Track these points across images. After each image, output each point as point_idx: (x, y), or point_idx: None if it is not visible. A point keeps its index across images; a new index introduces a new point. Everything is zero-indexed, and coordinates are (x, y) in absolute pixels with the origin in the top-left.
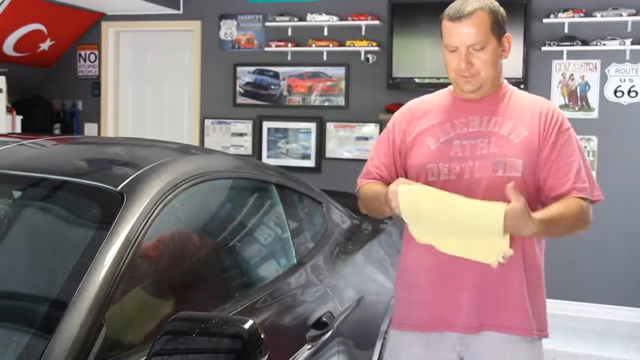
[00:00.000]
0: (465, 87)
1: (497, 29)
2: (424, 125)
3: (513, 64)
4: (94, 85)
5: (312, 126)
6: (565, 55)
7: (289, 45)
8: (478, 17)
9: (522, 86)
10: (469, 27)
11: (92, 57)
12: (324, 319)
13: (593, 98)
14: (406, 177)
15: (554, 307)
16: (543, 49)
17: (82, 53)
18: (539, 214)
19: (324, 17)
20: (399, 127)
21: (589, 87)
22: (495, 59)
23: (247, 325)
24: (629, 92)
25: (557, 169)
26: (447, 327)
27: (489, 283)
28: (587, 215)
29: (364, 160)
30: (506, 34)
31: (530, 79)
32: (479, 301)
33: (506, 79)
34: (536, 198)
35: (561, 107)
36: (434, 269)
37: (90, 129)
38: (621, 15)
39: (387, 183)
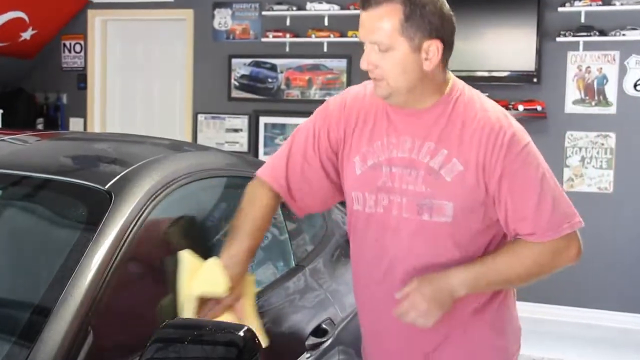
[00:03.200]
0: (375, 91)
1: (413, 30)
2: (349, 135)
3: (525, 56)
4: (80, 78)
5: None
6: (581, 47)
7: (287, 35)
8: (385, 10)
9: (535, 79)
10: (372, 20)
11: (78, 48)
12: (324, 325)
13: (611, 92)
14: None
15: (564, 315)
16: (557, 39)
17: (67, 43)
18: (460, 273)
19: (325, 5)
20: (331, 124)
21: (607, 81)
22: (406, 67)
23: (242, 332)
24: None
25: (513, 210)
26: None
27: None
28: (557, 255)
29: None
30: (434, 39)
31: (544, 72)
32: None
33: (518, 72)
34: (478, 245)
35: (577, 102)
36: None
37: (75, 124)
38: None
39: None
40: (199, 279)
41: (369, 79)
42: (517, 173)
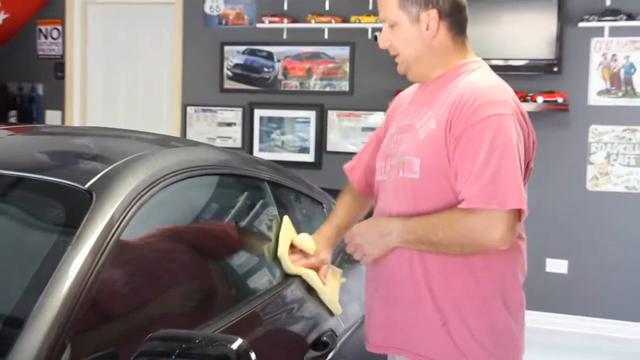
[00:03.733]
0: (397, 69)
1: (410, 3)
2: (390, 121)
3: (544, 42)
4: (57, 66)
5: (311, 115)
6: (606, 32)
7: (285, 21)
8: None
9: (555, 69)
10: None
11: (55, 34)
12: (325, 338)
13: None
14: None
15: (589, 326)
16: (580, 24)
17: (43, 28)
18: (396, 221)
19: None
20: (386, 118)
21: (635, 69)
22: (409, 39)
23: (235, 345)
24: None
25: (459, 172)
26: (366, 344)
27: (396, 299)
28: (477, 230)
29: None
30: (430, 10)
31: (565, 61)
32: (385, 317)
33: (537, 60)
34: (445, 203)
35: (601, 93)
36: (368, 278)
37: (52, 116)
38: None
39: (364, 185)
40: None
41: (374, 69)
42: (472, 137)
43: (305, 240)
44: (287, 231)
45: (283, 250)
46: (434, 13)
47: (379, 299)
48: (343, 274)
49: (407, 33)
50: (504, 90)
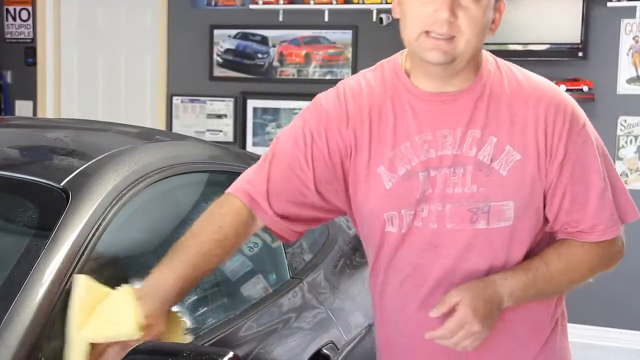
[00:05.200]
0: (432, 55)
1: None
2: (363, 138)
3: (568, 25)
4: (28, 52)
5: None
6: (638, 13)
7: (281, 1)
8: None
9: (580, 54)
10: None
11: (25, 15)
12: (325, 350)
13: None
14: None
15: (606, 337)
16: (609, 4)
17: (11, 9)
18: (507, 282)
19: None
20: (326, 133)
21: None
22: (483, 27)
23: (226, 359)
24: None
25: (571, 200)
26: None
27: None
28: (614, 255)
29: None
30: (501, 1)
31: (591, 45)
32: None
33: (560, 45)
34: (533, 246)
35: (632, 80)
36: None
37: (23, 107)
38: None
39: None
40: (98, 315)
41: (379, 55)
42: (579, 156)
43: (121, 322)
44: (86, 298)
45: (76, 341)
46: (503, 6)
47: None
48: (345, 282)
49: (484, 18)
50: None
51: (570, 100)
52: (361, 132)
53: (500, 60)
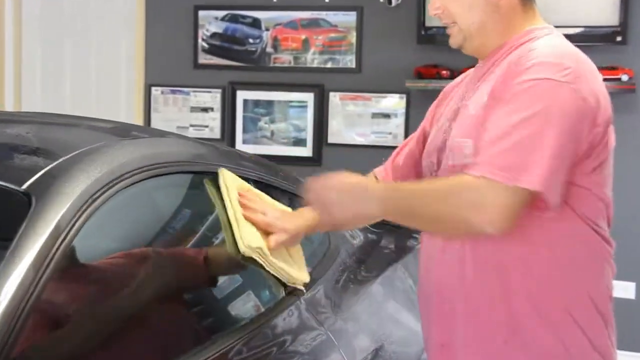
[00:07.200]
0: (450, 42)
1: None
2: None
3: (605, 5)
4: None
5: (308, 98)
6: None
7: None
8: None
9: (618, 38)
10: None
11: None
12: None
13: None
14: None
15: None
16: None
17: None
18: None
19: None
20: (428, 115)
21: None
22: (473, 2)
23: None
24: None
25: (483, 136)
26: None
27: (453, 310)
28: (467, 201)
29: (384, 148)
30: None
31: (632, 28)
32: (442, 336)
33: (596, 28)
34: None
35: None
36: (419, 287)
37: None
38: None
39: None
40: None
41: (387, 40)
42: (510, 97)
43: (275, 202)
44: (231, 180)
45: (232, 201)
46: None
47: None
48: (349, 299)
49: None
50: (574, 57)
51: (547, 58)
52: (438, 111)
53: (552, 33)
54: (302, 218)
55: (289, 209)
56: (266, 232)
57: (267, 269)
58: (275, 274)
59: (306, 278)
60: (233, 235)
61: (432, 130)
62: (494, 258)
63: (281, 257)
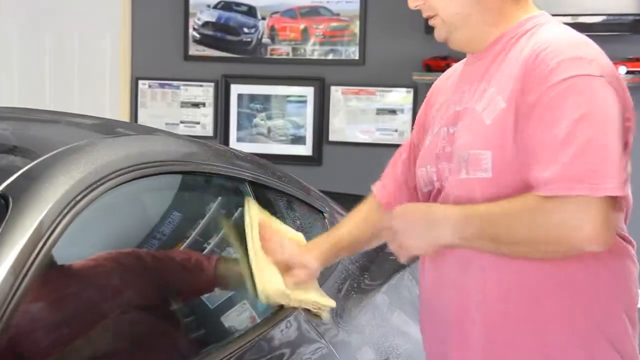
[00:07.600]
0: (435, 35)
1: None
2: (433, 112)
3: None
4: None
5: (308, 92)
6: None
7: None
8: None
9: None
10: None
11: None
12: None
13: None
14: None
15: None
16: None
17: None
18: (448, 208)
19: None
20: (420, 115)
21: None
22: None
23: None
24: None
25: (533, 151)
26: None
27: (474, 332)
28: (559, 222)
29: (389, 146)
30: None
31: None
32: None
33: (617, 16)
34: None
35: None
36: (421, 295)
37: None
38: None
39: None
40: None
41: (393, 30)
42: (549, 103)
43: (290, 231)
44: (255, 213)
45: (253, 238)
46: None
47: (436, 325)
48: (351, 310)
49: None
50: (591, 46)
51: (571, 52)
52: (432, 111)
53: (551, 21)
54: (319, 250)
55: (302, 236)
56: (286, 267)
57: (292, 305)
58: (300, 307)
59: (332, 303)
60: (253, 278)
61: (426, 136)
62: (519, 277)
63: (301, 287)
